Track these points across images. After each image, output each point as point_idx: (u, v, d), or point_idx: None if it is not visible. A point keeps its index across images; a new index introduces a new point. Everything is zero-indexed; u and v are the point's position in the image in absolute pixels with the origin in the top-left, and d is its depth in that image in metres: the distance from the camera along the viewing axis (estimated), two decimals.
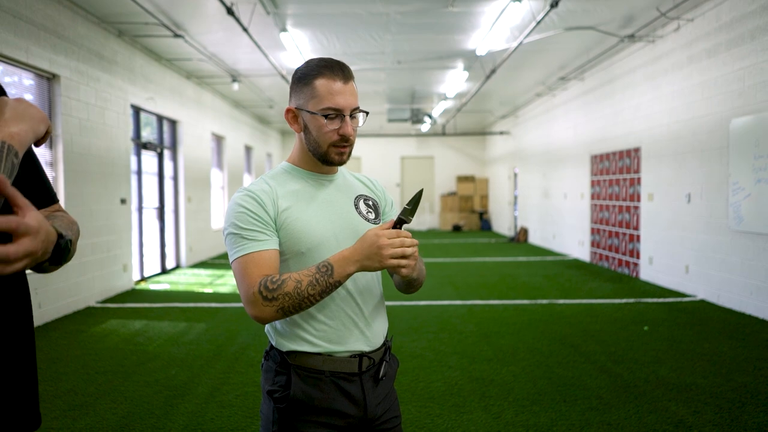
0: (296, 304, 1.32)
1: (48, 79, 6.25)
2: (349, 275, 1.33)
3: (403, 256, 1.31)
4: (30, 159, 1.17)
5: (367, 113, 1.49)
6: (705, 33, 6.82)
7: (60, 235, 0.98)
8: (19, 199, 0.84)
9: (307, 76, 1.44)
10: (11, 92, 5.66)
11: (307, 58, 9.23)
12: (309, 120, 1.45)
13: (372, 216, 1.56)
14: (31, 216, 0.84)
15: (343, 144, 1.45)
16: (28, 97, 5.96)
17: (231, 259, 1.40)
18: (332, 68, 1.43)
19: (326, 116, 1.42)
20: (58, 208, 1.22)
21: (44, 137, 1.06)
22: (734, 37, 6.28)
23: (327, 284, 1.32)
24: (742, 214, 6.11)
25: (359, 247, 1.33)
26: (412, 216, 1.38)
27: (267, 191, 1.43)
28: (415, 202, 1.38)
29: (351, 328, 1.47)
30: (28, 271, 1.13)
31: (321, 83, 1.42)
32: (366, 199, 1.58)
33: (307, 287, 1.31)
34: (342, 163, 1.49)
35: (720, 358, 4.58)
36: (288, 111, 1.48)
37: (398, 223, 1.36)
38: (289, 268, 1.44)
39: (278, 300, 1.31)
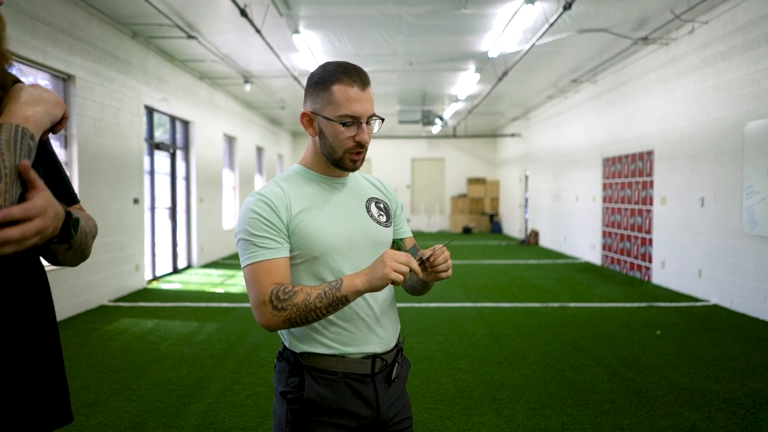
0: (303, 316, 1.33)
1: (64, 80, 6.32)
2: (357, 291, 1.32)
3: (403, 273, 1.31)
4: (50, 159, 1.17)
5: (382, 120, 1.49)
6: (720, 35, 6.77)
7: (68, 214, 1.03)
8: (37, 181, 0.93)
9: (324, 80, 1.43)
10: None
11: (319, 60, 9.24)
12: (325, 125, 1.44)
13: (383, 219, 1.56)
14: (40, 196, 0.92)
15: (358, 150, 1.45)
16: None
17: (242, 265, 1.41)
18: (350, 74, 1.42)
19: (343, 124, 1.42)
20: (79, 209, 1.23)
21: (61, 122, 1.06)
22: (750, 39, 6.23)
23: (334, 298, 1.32)
24: (757, 218, 6.05)
25: (370, 264, 1.35)
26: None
27: (280, 195, 1.43)
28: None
29: (364, 330, 1.47)
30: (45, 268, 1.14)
31: (338, 89, 1.41)
32: (377, 201, 1.59)
33: (315, 300, 1.32)
34: (355, 169, 1.50)
35: (733, 363, 4.54)
36: (303, 115, 1.48)
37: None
38: (302, 271, 1.45)
39: (287, 311, 1.33)
